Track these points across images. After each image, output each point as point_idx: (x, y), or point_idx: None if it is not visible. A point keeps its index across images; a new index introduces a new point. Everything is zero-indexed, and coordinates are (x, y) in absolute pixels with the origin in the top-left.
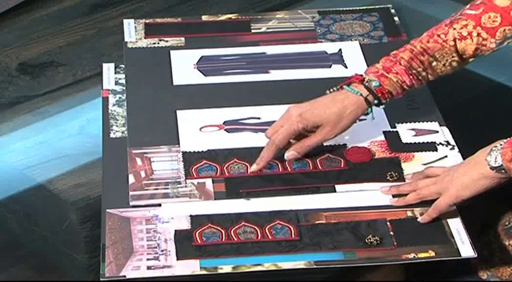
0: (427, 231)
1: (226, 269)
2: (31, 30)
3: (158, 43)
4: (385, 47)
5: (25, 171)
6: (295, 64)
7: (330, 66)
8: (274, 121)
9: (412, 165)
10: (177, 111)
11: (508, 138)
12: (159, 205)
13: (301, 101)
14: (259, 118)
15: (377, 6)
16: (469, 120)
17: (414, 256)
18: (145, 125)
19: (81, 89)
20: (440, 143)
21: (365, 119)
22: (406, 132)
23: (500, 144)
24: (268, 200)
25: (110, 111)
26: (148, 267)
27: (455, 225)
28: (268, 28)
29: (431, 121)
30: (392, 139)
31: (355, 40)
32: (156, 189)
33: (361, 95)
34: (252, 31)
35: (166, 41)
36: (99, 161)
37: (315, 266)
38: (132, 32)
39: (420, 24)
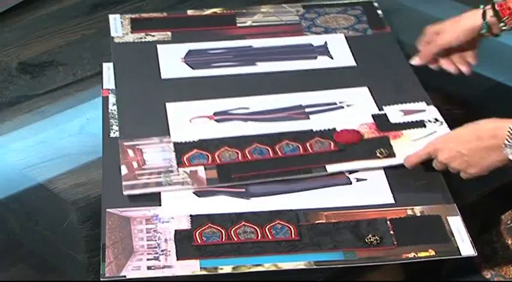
0: (427, 230)
1: (226, 269)
2: (31, 30)
3: (145, 38)
4: (369, 39)
5: (25, 171)
6: (281, 56)
7: (316, 58)
8: (262, 111)
9: (401, 142)
10: (167, 104)
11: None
12: (159, 205)
13: (288, 92)
14: (248, 108)
15: (360, 0)
16: (469, 120)
17: (414, 255)
18: (135, 118)
19: (81, 88)
20: (429, 120)
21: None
22: (394, 113)
23: (509, 139)
24: (269, 200)
25: (110, 111)
26: (149, 267)
27: (456, 224)
28: (253, 22)
29: (418, 101)
30: (380, 120)
31: (340, 33)
32: (149, 178)
33: (482, 7)
34: (238, 25)
35: (153, 36)
36: (99, 161)
37: (315, 266)
38: (119, 27)
39: (420, 24)
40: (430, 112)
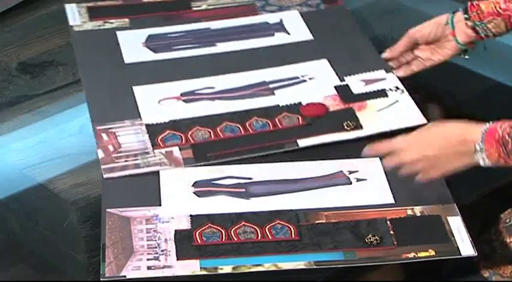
0: (427, 230)
1: (226, 269)
2: (31, 30)
3: (103, 25)
4: (323, 13)
5: (25, 171)
6: (239, 36)
7: (273, 35)
8: (228, 89)
9: (366, 113)
10: (134, 87)
11: (483, 133)
12: (159, 205)
13: (250, 69)
14: (213, 87)
15: None
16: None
17: (414, 255)
18: (105, 103)
19: (81, 88)
20: (390, 89)
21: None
22: (355, 83)
23: (479, 145)
24: (268, 200)
25: None
26: (149, 267)
27: (456, 224)
28: (208, 5)
29: (377, 70)
30: (343, 92)
31: (294, 9)
32: (127, 160)
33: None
34: (193, 9)
35: (112, 23)
36: (99, 161)
37: (315, 266)
38: (76, 16)
39: (420, 24)
40: (390, 80)
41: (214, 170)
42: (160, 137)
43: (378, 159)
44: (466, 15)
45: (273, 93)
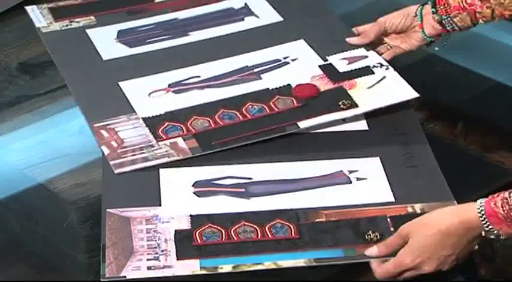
0: None
1: (226, 268)
2: (31, 30)
3: (70, 25)
4: None
5: (25, 171)
6: (210, 23)
7: (243, 19)
8: (214, 76)
9: (357, 91)
10: (120, 83)
11: (483, 217)
12: (159, 205)
13: (229, 56)
14: (199, 76)
15: None
16: (470, 121)
17: None
18: (94, 101)
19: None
20: (374, 66)
21: None
22: (339, 62)
23: (487, 228)
24: (269, 199)
25: None
26: (149, 268)
27: None
28: None
29: (357, 48)
30: (329, 71)
31: None
32: (134, 155)
33: None
34: (155, 1)
35: (78, 22)
36: (99, 161)
37: (314, 264)
38: (40, 17)
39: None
40: (372, 57)
41: (214, 170)
42: (160, 129)
43: (378, 158)
44: (433, 9)
45: (260, 78)
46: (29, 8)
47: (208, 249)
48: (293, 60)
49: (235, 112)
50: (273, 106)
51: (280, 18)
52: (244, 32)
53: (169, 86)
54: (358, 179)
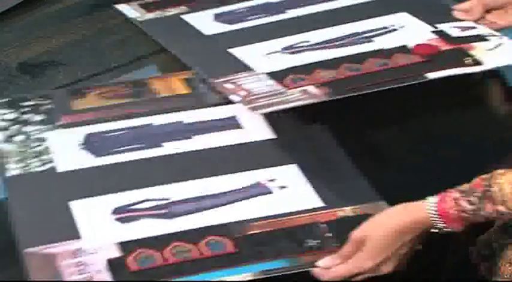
0: None
1: None
2: (31, 30)
3: (163, 13)
4: None
5: None
6: (304, 2)
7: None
8: (324, 40)
9: (478, 52)
10: (229, 50)
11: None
12: (78, 237)
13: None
14: (308, 41)
15: None
16: (470, 121)
17: None
18: (209, 62)
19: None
20: (487, 35)
21: None
22: (450, 29)
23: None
24: (194, 217)
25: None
26: None
27: None
28: None
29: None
30: (444, 35)
31: None
32: (268, 99)
33: None
34: None
35: (170, 11)
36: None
37: (262, 276)
38: (132, 11)
39: None
40: (482, 28)
41: (129, 195)
42: (286, 80)
43: (294, 165)
44: None
45: (372, 41)
46: (119, 6)
47: (148, 274)
48: (401, 27)
49: (358, 66)
50: (395, 60)
51: None
52: (342, 8)
53: (282, 49)
54: (280, 187)
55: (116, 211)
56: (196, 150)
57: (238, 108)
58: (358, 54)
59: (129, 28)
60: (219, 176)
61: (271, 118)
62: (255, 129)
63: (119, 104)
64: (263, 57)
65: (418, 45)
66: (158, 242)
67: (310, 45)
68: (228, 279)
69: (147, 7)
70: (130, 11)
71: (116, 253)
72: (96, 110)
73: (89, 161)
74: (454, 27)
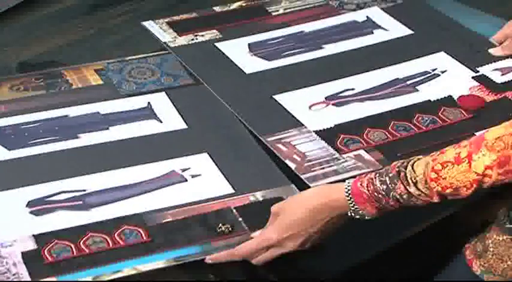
0: None
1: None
2: (31, 30)
3: (196, 39)
4: (404, 7)
5: None
6: (340, 36)
7: (372, 33)
8: (369, 89)
9: None
10: (274, 96)
11: (349, 199)
12: None
13: (375, 68)
14: (353, 89)
15: None
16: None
17: None
18: (256, 115)
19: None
20: None
21: None
22: (492, 73)
23: (352, 207)
24: (110, 207)
25: None
26: None
27: None
28: (285, 9)
29: (501, 60)
30: (486, 82)
31: (374, 6)
32: (322, 168)
33: None
34: (273, 14)
35: (203, 36)
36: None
37: (174, 263)
38: (161, 32)
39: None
40: None
41: (44, 187)
42: (338, 142)
43: (206, 154)
44: None
45: (416, 90)
46: (146, 23)
47: (63, 265)
48: (442, 72)
49: (407, 124)
50: (443, 117)
51: (410, 31)
52: (378, 44)
53: (327, 98)
54: (192, 176)
55: (31, 204)
56: (112, 141)
57: (152, 98)
58: (404, 108)
59: (129, 28)
60: (135, 166)
61: (184, 108)
62: (169, 119)
63: (32, 96)
64: (307, 109)
65: (463, 97)
66: (73, 234)
67: (355, 95)
68: (141, 268)
69: (176, 27)
70: (159, 31)
71: (32, 245)
72: (8, 102)
73: (2, 154)
74: (495, 69)
